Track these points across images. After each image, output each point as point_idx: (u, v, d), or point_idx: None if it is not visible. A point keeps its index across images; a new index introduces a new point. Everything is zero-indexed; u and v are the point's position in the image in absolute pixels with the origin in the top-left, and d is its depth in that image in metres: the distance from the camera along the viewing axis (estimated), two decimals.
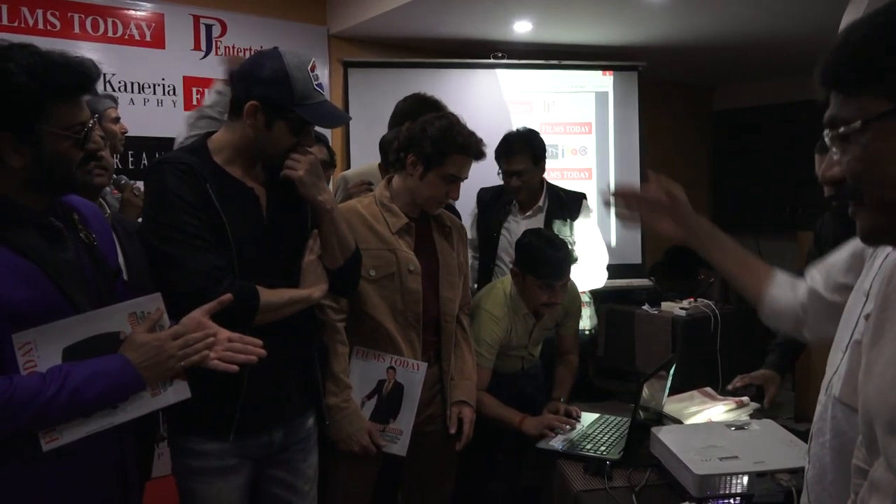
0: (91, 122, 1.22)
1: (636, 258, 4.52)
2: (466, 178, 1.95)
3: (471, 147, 1.90)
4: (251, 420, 1.53)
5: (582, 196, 2.83)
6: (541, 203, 2.77)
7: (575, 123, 4.36)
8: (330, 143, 2.55)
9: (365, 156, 3.54)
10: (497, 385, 2.30)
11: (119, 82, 3.36)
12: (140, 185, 2.17)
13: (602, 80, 4.32)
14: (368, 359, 1.88)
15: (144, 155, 3.44)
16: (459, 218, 2.24)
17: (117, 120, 2.46)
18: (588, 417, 2.28)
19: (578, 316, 2.55)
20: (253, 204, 1.52)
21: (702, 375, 3.26)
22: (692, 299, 4.09)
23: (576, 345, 2.57)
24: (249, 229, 1.49)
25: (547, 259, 2.20)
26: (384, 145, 2.32)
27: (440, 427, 2.01)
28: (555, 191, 2.79)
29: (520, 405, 2.28)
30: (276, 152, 1.53)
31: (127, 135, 2.57)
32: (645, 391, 1.91)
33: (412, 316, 1.91)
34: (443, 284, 1.99)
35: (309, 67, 1.49)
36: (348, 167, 3.76)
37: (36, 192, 1.21)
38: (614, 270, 4.38)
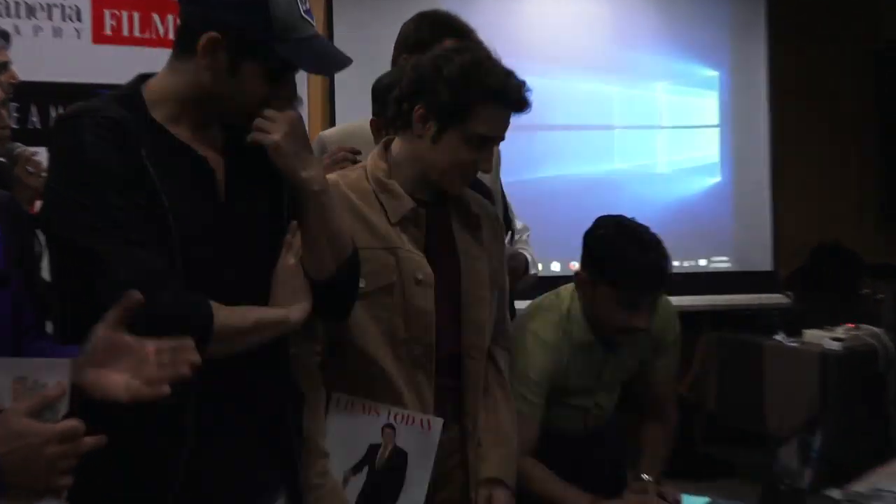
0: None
1: (765, 263, 4.58)
2: (502, 138, 1.94)
3: (509, 93, 1.88)
4: None
5: None
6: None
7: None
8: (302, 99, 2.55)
9: (354, 111, 3.62)
10: (549, 449, 2.29)
11: None
12: (41, 154, 2.21)
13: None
14: (355, 412, 1.89)
15: (35, 110, 3.48)
16: (491, 199, 2.21)
17: (5, 66, 2.47)
18: (692, 503, 2.28)
19: (676, 350, 2.53)
20: (206, 180, 1.55)
21: (868, 439, 3.19)
22: (851, 325, 4.06)
23: (671, 394, 2.57)
24: (200, 217, 1.52)
25: (631, 261, 2.19)
26: (380, 92, 2.32)
27: None
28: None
29: (584, 481, 2.27)
30: (242, 107, 1.57)
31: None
32: (783, 464, 1.84)
33: (420, 349, 1.91)
34: (467, 302, 1.98)
35: None
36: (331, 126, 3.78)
37: None
38: (731, 281, 4.44)
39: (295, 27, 1.52)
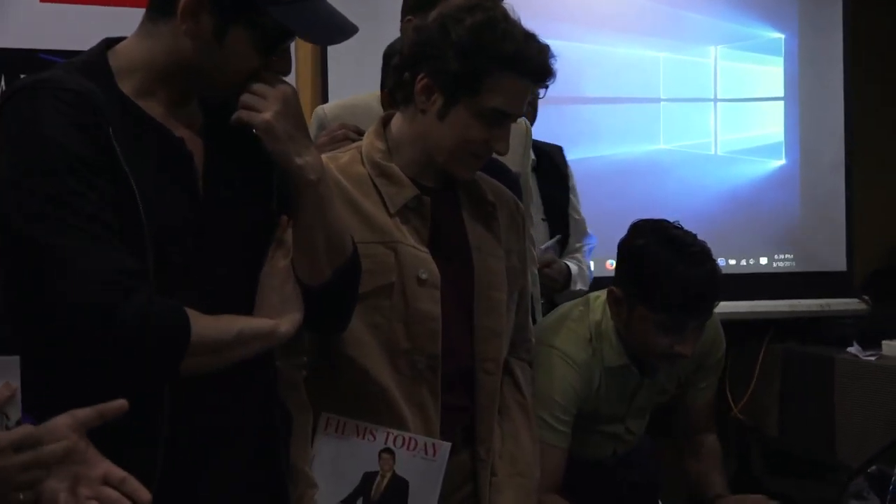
0: None
1: (837, 262, 4.54)
2: (521, 114, 1.98)
3: (528, 60, 1.90)
4: None
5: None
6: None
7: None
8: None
9: (352, 84, 3.61)
10: (574, 476, 2.33)
11: None
12: None
13: None
14: (347, 435, 1.93)
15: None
16: (517, 191, 2.21)
17: None
18: None
19: (718, 371, 2.54)
20: (182, 166, 1.57)
21: None
22: None
23: (712, 422, 2.64)
24: (175, 209, 1.54)
25: (677, 284, 2.21)
26: (391, 60, 2.33)
27: None
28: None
29: None
30: (228, 81, 1.59)
31: None
32: (856, 499, 1.90)
33: (424, 361, 1.94)
34: (480, 306, 2.01)
35: None
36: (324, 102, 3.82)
37: None
38: (797, 283, 4.41)
39: None
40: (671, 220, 2.42)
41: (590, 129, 4.38)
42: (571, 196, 3.28)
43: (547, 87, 1.99)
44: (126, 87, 1.54)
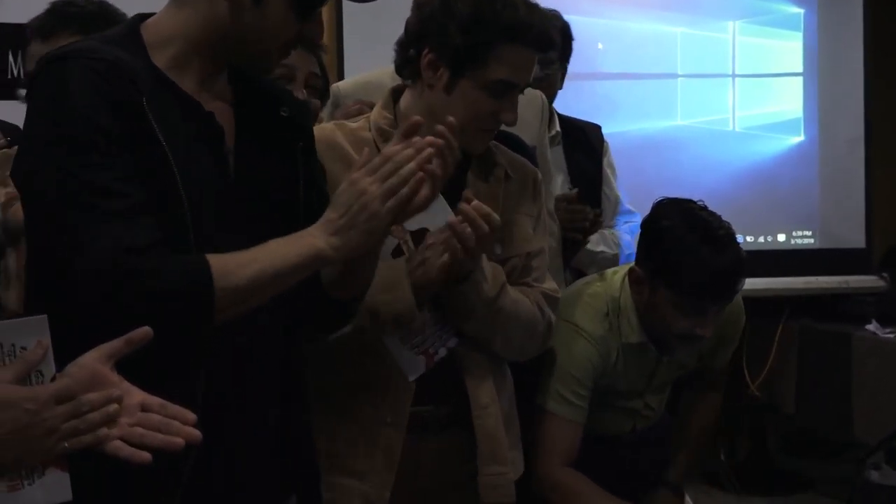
0: None
1: (856, 239, 4.54)
2: (527, 84, 1.97)
3: (530, 29, 1.90)
4: None
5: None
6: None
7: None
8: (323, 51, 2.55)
9: (367, 59, 3.60)
10: (592, 452, 2.32)
11: None
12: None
13: None
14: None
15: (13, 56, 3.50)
16: (532, 159, 2.21)
17: None
18: None
19: (737, 341, 2.53)
20: (213, 141, 1.56)
21: None
22: None
23: (720, 378, 2.61)
24: (207, 182, 1.54)
25: (702, 267, 2.19)
26: None
27: None
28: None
29: (631, 486, 2.32)
30: (265, 46, 1.58)
31: None
32: (874, 476, 1.85)
33: None
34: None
35: None
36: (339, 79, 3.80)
37: None
38: (816, 260, 4.40)
39: None
40: (689, 197, 2.40)
41: (607, 104, 4.36)
42: (608, 172, 3.26)
43: (545, 53, 1.98)
44: (159, 59, 1.53)
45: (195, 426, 1.36)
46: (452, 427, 2.01)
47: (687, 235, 2.22)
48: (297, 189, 1.66)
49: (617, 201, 3.26)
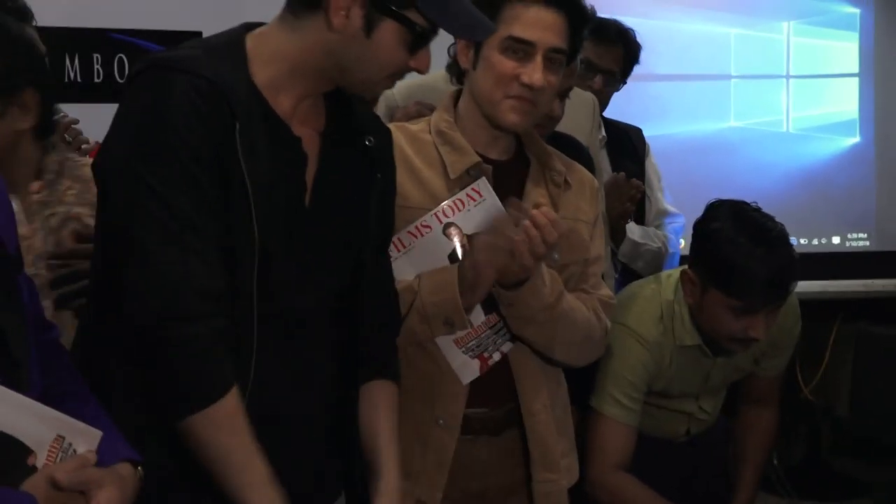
0: None
1: None
2: (546, 43, 1.90)
3: None
4: None
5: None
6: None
7: None
8: None
9: None
10: (646, 456, 2.33)
11: None
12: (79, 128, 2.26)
13: None
14: (410, 244, 1.99)
15: (98, 58, 3.51)
16: (590, 165, 2.20)
17: None
18: None
19: (791, 349, 2.50)
20: (296, 167, 1.57)
21: None
22: None
23: (775, 391, 2.60)
24: (282, 210, 1.54)
25: (754, 269, 2.18)
26: None
27: None
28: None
29: (686, 491, 2.34)
30: (371, 76, 1.58)
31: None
32: None
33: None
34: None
35: None
36: None
37: None
38: (871, 263, 4.34)
39: None
40: (743, 199, 2.38)
41: (659, 106, 4.33)
42: (650, 174, 3.26)
43: (561, 11, 1.93)
44: (258, 76, 1.53)
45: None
46: (506, 430, 2.01)
47: (739, 236, 2.20)
48: (367, 220, 1.67)
49: (659, 203, 3.26)
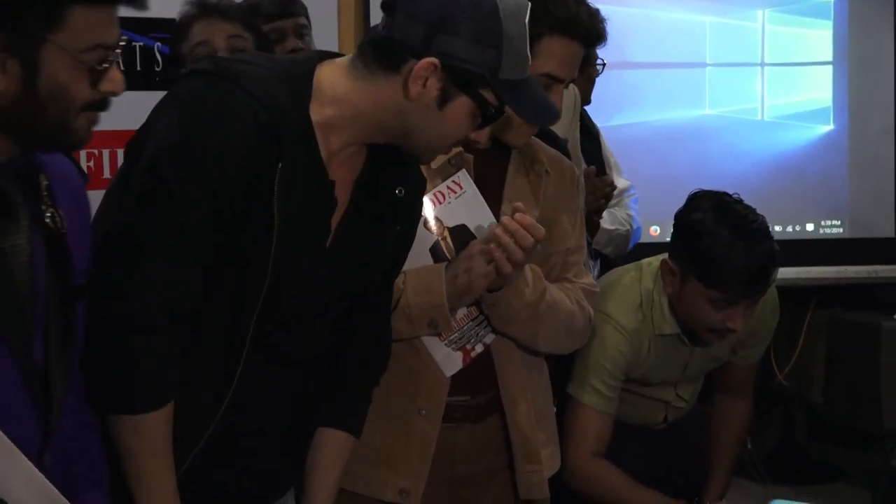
0: (119, 48, 1.28)
1: (886, 228, 4.50)
2: (572, 78, 1.97)
3: (579, 23, 1.92)
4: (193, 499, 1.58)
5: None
6: None
7: None
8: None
9: None
10: (624, 442, 2.35)
11: None
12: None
13: None
14: None
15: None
16: (565, 153, 2.22)
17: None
18: None
19: (768, 339, 2.52)
20: (323, 211, 1.58)
21: None
22: None
23: (751, 381, 2.61)
24: (302, 252, 1.55)
25: (734, 262, 2.19)
26: None
27: None
28: None
29: (663, 476, 2.33)
30: (432, 144, 1.60)
31: None
32: None
33: None
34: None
35: (525, 18, 1.55)
36: None
37: (1, 137, 1.26)
38: (844, 250, 4.37)
39: (521, 68, 1.54)
40: (717, 186, 2.38)
41: (634, 94, 4.35)
42: (608, 155, 3.29)
43: (593, 47, 1.99)
44: (317, 113, 1.52)
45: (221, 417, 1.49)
46: (487, 417, 2.02)
47: (720, 228, 2.20)
48: (376, 269, 1.68)
49: (619, 182, 3.28)
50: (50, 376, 1.32)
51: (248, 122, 1.44)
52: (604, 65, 3.14)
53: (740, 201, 2.30)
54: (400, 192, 1.65)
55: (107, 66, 1.26)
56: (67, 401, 1.36)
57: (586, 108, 3.26)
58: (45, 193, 1.33)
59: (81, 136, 1.30)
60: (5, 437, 1.22)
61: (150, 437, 1.49)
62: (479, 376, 1.99)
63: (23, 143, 1.28)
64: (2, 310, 1.25)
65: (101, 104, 1.31)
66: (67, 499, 1.34)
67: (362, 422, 1.79)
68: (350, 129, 1.55)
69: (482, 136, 1.64)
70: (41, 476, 1.27)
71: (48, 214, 1.32)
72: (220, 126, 1.44)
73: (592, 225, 2.88)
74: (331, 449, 1.75)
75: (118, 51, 1.28)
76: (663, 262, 2.31)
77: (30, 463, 1.25)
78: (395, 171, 1.64)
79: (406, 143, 1.58)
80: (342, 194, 1.59)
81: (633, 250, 3.24)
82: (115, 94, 1.30)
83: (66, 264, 1.34)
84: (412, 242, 1.79)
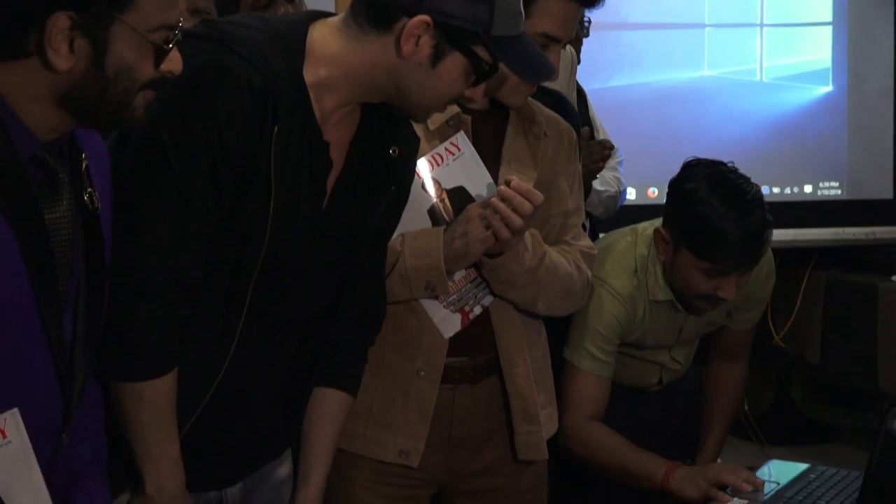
0: (179, 28, 1.31)
1: (884, 190, 4.51)
2: (570, 38, 1.98)
3: None
4: (192, 466, 1.59)
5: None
6: None
7: None
8: None
9: None
10: (619, 410, 2.35)
11: None
12: None
13: None
14: None
15: None
16: (574, 120, 2.24)
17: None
18: (788, 471, 2.27)
19: (765, 304, 2.55)
20: (318, 172, 1.58)
21: None
22: None
23: (747, 345, 2.60)
24: (298, 211, 1.56)
25: (727, 233, 2.18)
26: None
27: (511, 484, 2.11)
28: None
29: (659, 437, 2.34)
30: (425, 102, 1.60)
31: None
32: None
33: None
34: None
35: None
36: None
37: (61, 115, 1.28)
38: (842, 211, 4.38)
39: (515, 24, 1.55)
40: (714, 148, 2.38)
41: (632, 55, 4.34)
42: (596, 119, 3.28)
43: (593, 7, 1.98)
44: (310, 74, 1.53)
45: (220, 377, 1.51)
46: (485, 378, 2.04)
47: (713, 198, 2.19)
48: (371, 229, 1.68)
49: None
50: (75, 354, 1.34)
51: (244, 87, 1.44)
52: (590, 22, 3.11)
53: (735, 170, 2.29)
54: (394, 151, 1.66)
55: (171, 45, 1.29)
56: (89, 380, 1.38)
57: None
58: (86, 173, 1.35)
59: (138, 114, 1.32)
60: (29, 445, 1.24)
61: (154, 403, 1.50)
62: (477, 337, 2.00)
63: (83, 120, 1.30)
64: (42, 285, 1.26)
65: (160, 83, 1.33)
66: (70, 479, 1.38)
67: (358, 380, 1.81)
68: (343, 90, 1.56)
69: (477, 94, 1.64)
70: (46, 493, 1.29)
71: (87, 193, 1.34)
72: (217, 93, 1.44)
73: (586, 187, 2.88)
74: (328, 407, 1.76)
75: (177, 32, 1.30)
76: (656, 230, 2.31)
77: (40, 475, 1.27)
78: (388, 131, 1.65)
79: (400, 101, 1.59)
80: (337, 156, 1.59)
81: (630, 212, 3.25)
82: (174, 73, 1.32)
83: (98, 243, 1.37)
84: (406, 202, 1.79)
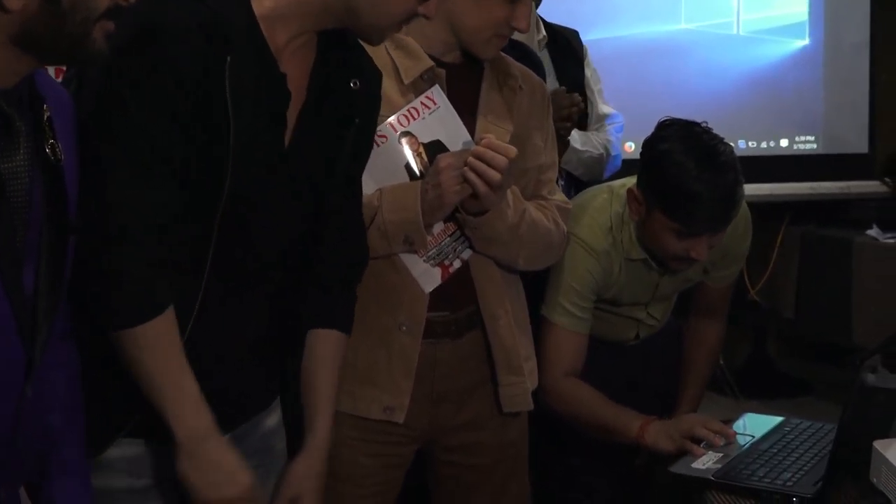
0: None
1: (859, 144, 4.53)
2: None
3: None
4: None
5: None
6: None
7: None
8: None
9: None
10: (598, 366, 2.36)
11: None
12: None
13: None
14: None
15: None
16: (541, 72, 2.20)
17: None
18: (763, 423, 2.31)
19: (742, 261, 2.58)
20: (278, 105, 1.57)
21: None
22: None
23: (724, 302, 2.62)
24: (260, 150, 1.55)
25: (699, 195, 2.18)
26: None
27: (495, 437, 2.11)
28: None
29: (637, 392, 2.35)
30: (379, 21, 1.59)
31: None
32: (870, 379, 1.89)
33: None
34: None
35: None
36: None
37: (18, 55, 1.26)
38: (818, 165, 4.40)
39: None
40: (691, 102, 2.37)
41: (608, 7, 4.32)
42: (590, 79, 3.23)
43: None
44: (259, 6, 1.52)
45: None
46: (468, 332, 2.05)
47: (686, 160, 2.19)
48: (338, 165, 1.67)
49: (600, 107, 3.23)
50: (38, 306, 1.33)
51: (188, 20, 1.44)
52: None
53: (709, 130, 2.28)
54: (355, 84, 1.65)
55: None
56: (52, 332, 1.37)
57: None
58: (47, 124, 1.33)
59: (99, 45, 1.30)
60: None
61: (156, 346, 1.50)
62: (458, 291, 2.01)
63: (43, 58, 1.29)
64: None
65: (117, 12, 1.31)
66: (44, 452, 1.40)
67: (350, 319, 1.80)
68: (295, 18, 1.55)
69: (430, 10, 1.62)
70: None
71: (48, 145, 1.33)
72: (164, 37, 1.44)
73: (560, 144, 2.84)
74: (322, 349, 1.76)
75: None
76: (629, 190, 2.31)
77: None
78: (347, 63, 1.64)
79: (353, 23, 1.58)
80: (296, 89, 1.58)
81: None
82: (129, 1, 1.32)
83: (61, 196, 1.35)
84: (373, 137, 1.79)
